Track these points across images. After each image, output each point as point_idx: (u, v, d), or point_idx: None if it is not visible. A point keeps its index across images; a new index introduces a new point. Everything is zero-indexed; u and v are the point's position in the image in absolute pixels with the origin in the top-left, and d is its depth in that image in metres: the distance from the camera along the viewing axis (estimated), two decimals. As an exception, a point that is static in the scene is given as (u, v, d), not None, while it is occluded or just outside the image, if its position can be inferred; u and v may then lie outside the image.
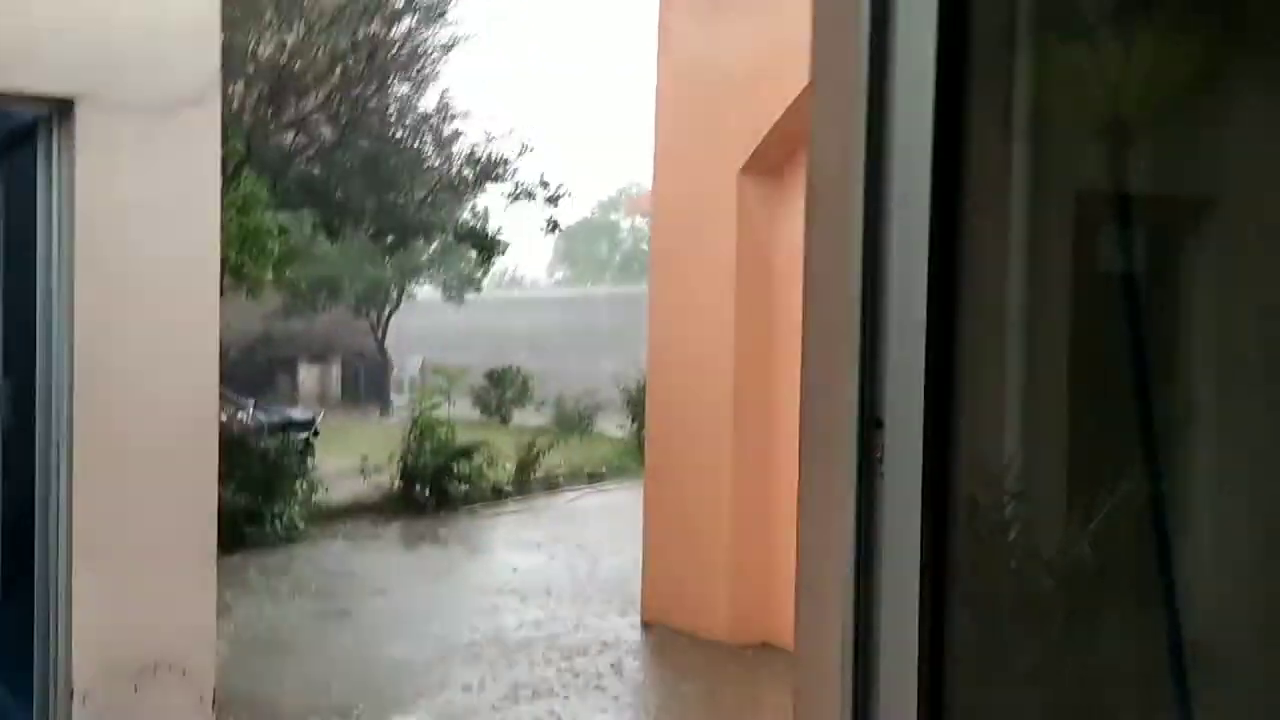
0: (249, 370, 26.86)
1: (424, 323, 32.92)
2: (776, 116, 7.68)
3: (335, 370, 28.57)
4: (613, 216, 57.85)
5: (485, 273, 29.73)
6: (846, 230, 1.83)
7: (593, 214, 59.22)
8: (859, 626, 1.78)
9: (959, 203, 1.76)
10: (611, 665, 7.78)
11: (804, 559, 2.01)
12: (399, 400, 25.81)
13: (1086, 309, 1.89)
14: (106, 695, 5.04)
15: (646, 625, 8.73)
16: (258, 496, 11.59)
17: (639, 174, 57.71)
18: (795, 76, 7.33)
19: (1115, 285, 1.86)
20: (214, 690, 5.38)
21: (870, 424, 1.74)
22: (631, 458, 17.43)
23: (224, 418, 11.95)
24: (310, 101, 13.46)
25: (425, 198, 15.10)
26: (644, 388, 12.66)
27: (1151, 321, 1.80)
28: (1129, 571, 1.83)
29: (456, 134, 15.38)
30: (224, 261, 8.99)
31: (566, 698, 7.10)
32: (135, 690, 5.11)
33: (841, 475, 1.80)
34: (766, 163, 8.01)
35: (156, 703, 5.16)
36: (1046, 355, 1.89)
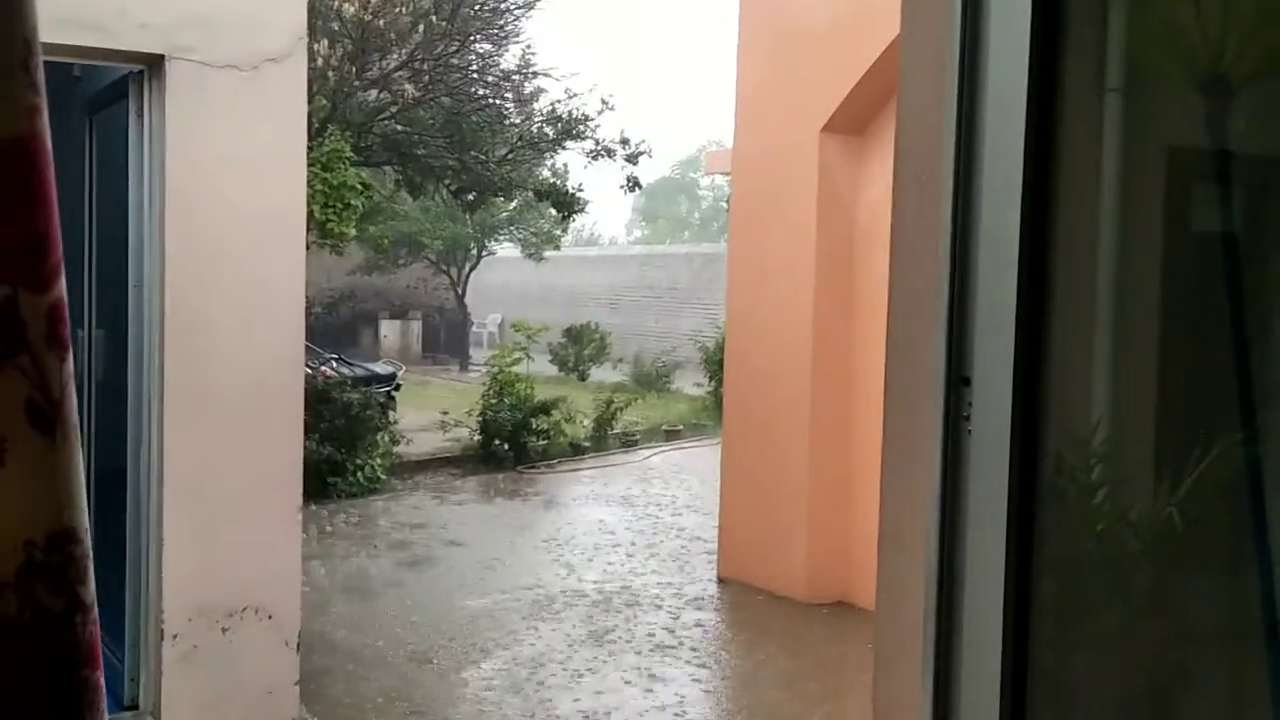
0: (332, 325, 27.24)
1: (503, 280, 33.08)
2: (860, 73, 7.58)
3: (416, 326, 28.85)
4: (693, 175, 57.66)
5: (565, 230, 29.83)
6: (936, 184, 1.80)
7: (673, 172, 59.10)
8: (943, 585, 1.76)
9: (1054, 158, 1.72)
10: (687, 620, 7.82)
11: (887, 516, 1.99)
12: (478, 356, 26.03)
13: (1182, 268, 1.84)
14: (196, 636, 5.17)
15: (722, 581, 8.76)
16: (341, 448, 11.78)
17: (720, 132, 57.45)
18: (879, 32, 7.23)
19: (1211, 244, 1.81)
20: (298, 634, 5.49)
21: (958, 382, 1.71)
22: (709, 416, 17.44)
23: (308, 370, 12.13)
24: (393, 59, 13.53)
25: (506, 155, 15.15)
26: (723, 346, 12.63)
27: (1248, 281, 1.75)
28: (1219, 535, 1.79)
29: (538, 92, 15.41)
30: (309, 217, 9.09)
31: (640, 652, 7.15)
32: (224, 633, 5.23)
33: (927, 433, 1.77)
34: (849, 120, 7.92)
35: (244, 645, 5.28)
36: (1140, 315, 1.84)
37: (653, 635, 7.48)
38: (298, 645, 5.49)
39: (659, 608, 8.09)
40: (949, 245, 1.73)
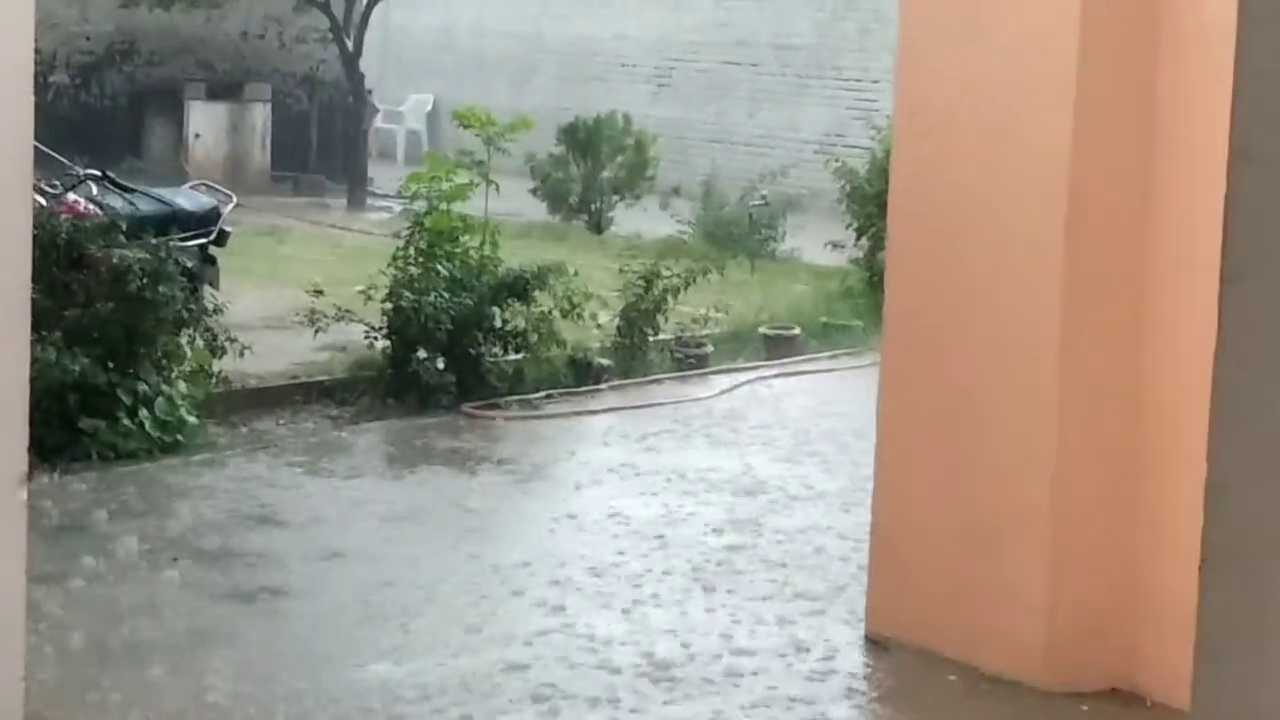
0: (91, 111, 27.26)
1: (441, 25, 32.94)
2: None
3: (260, 115, 28.80)
4: None
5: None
6: None
7: None
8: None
9: None
10: (805, 720, 7.91)
11: (1221, 510, 1.99)
12: (386, 179, 26.01)
13: None
14: None
15: (876, 644, 8.81)
16: (108, 361, 11.83)
17: None
18: None
19: None
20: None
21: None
22: (854, 308, 17.43)
23: (40, 204, 12.14)
24: None
25: None
26: (884, 169, 12.54)
27: None
28: None
29: None
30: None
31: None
32: None
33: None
34: None
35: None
36: None
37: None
38: (20, 754, 5.57)
39: (755, 700, 8.14)
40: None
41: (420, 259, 14.16)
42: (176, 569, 9.75)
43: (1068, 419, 8.18)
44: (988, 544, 8.39)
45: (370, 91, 28.57)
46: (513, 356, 14.16)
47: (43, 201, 12.41)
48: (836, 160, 20.60)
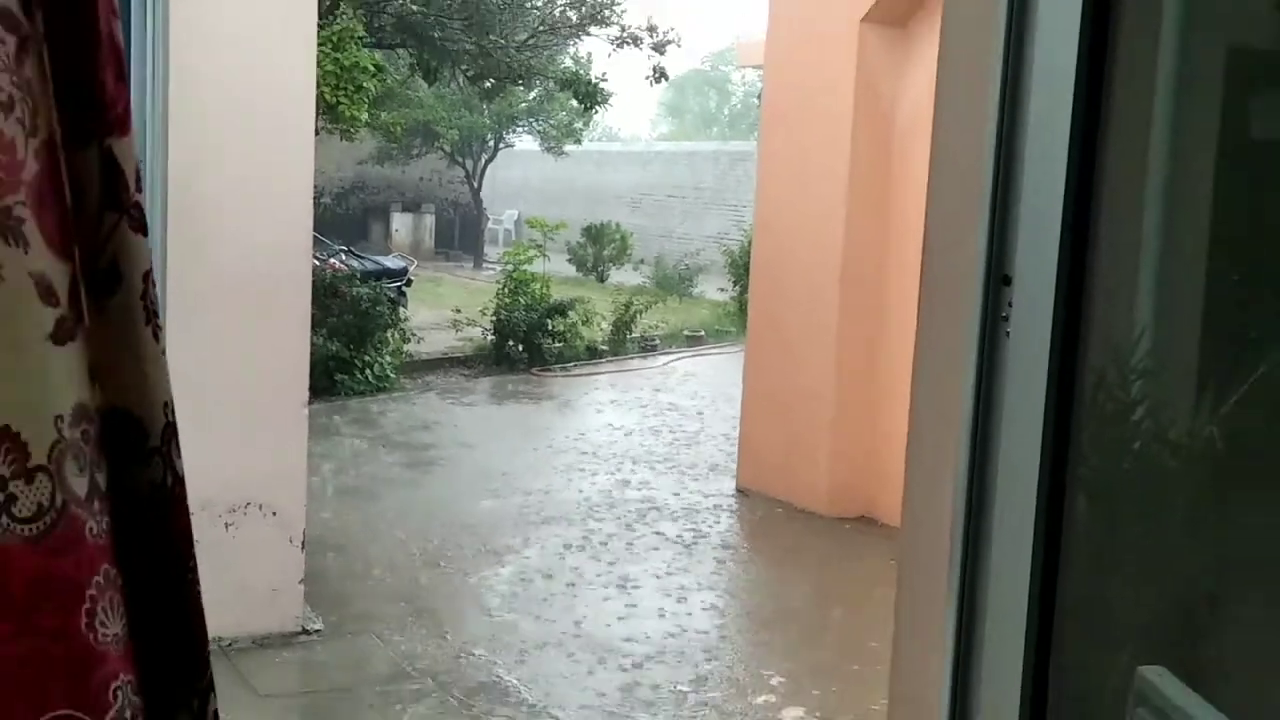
0: (341, 216, 27.21)
1: (521, 174, 32.86)
2: (905, -39, 7.44)
3: (429, 220, 28.79)
4: (724, 68, 56.88)
5: (586, 123, 29.57)
6: (983, 75, 1.77)
7: (703, 64, 58.32)
8: (972, 496, 1.77)
9: (1108, 52, 1.69)
10: (703, 529, 7.90)
11: (917, 421, 2.00)
12: (493, 254, 25.99)
13: (1237, 174, 1.81)
14: (197, 531, 5.23)
15: (741, 492, 8.83)
16: (349, 345, 11.84)
17: (755, 24, 56.53)
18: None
19: (1270, 151, 1.78)
20: (303, 532, 5.57)
21: (998, 280, 1.70)
22: (732, 322, 17.46)
23: (316, 262, 12.14)
24: (409, -66, 13.33)
25: (527, 40, 14.97)
26: (749, 250, 12.59)
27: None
28: (1264, 457, 1.78)
29: (561, -28, 15.18)
30: (318, 100, 9.02)
31: (657, 556, 7.24)
32: (226, 528, 5.31)
33: (963, 335, 1.77)
34: (891, 11, 7.79)
35: (247, 541, 5.35)
36: (1191, 221, 1.82)
37: (667, 541, 7.56)
38: (303, 544, 5.57)
39: (674, 517, 8.16)
40: (994, 139, 1.71)
41: (510, 295, 14.18)
42: (382, 451, 9.78)
43: (841, 374, 8.20)
44: (799, 438, 8.42)
45: (485, 208, 28.51)
46: (557, 345, 14.18)
47: (317, 263, 12.42)
48: (724, 247, 20.74)
